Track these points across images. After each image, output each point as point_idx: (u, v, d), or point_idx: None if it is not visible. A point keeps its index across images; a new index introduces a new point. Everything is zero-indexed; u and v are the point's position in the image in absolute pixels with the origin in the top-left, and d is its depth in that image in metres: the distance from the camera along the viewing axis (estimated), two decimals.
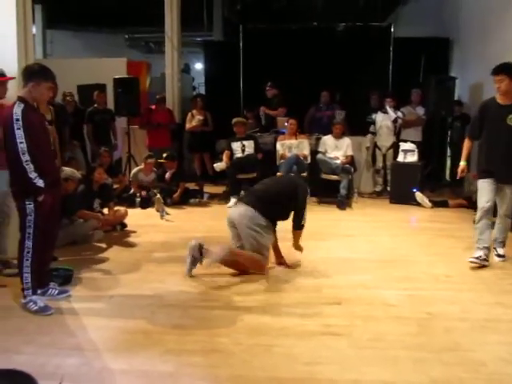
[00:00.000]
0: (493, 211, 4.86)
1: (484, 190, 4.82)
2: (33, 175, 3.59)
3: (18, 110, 3.58)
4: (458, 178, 5.36)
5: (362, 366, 2.96)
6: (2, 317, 3.67)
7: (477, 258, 4.72)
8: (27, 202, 3.65)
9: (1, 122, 3.92)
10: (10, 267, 4.49)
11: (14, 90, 4.78)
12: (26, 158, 3.55)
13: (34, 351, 3.14)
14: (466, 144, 5.10)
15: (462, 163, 5.12)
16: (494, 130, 4.73)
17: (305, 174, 7.87)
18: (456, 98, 9.48)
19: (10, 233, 4.52)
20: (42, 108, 5.17)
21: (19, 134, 3.54)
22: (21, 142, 3.54)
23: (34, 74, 3.74)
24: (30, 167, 3.57)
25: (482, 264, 4.72)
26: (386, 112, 8.52)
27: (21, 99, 3.66)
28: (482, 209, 4.81)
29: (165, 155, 7.85)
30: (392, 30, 10.40)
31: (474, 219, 6.41)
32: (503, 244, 5.01)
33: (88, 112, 8.52)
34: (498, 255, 4.97)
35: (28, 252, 3.70)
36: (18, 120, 3.55)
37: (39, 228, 3.70)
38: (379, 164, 8.74)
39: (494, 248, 5.00)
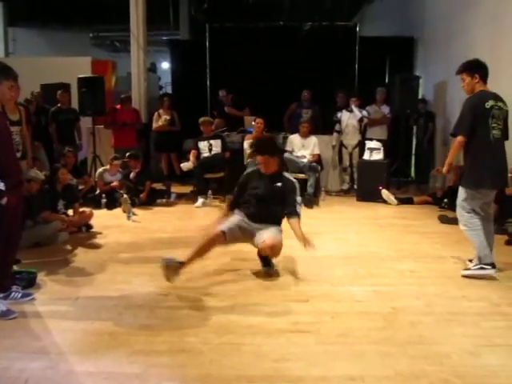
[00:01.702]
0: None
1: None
2: None
3: None
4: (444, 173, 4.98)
5: (330, 362, 2.99)
6: None
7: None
8: None
9: None
10: None
11: None
12: None
13: None
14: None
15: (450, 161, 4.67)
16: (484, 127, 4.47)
17: None
18: (420, 96, 9.66)
19: None
20: (8, 108, 5.07)
21: None
22: None
23: None
24: None
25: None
26: (351, 111, 8.61)
27: None
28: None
29: (128, 154, 7.76)
30: (358, 29, 10.52)
31: (439, 215, 6.59)
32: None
33: (52, 112, 8.37)
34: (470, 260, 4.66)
35: None
36: None
37: (2, 231, 3.61)
38: (346, 162, 8.83)
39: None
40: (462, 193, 4.46)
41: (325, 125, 9.01)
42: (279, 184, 4.52)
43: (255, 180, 4.61)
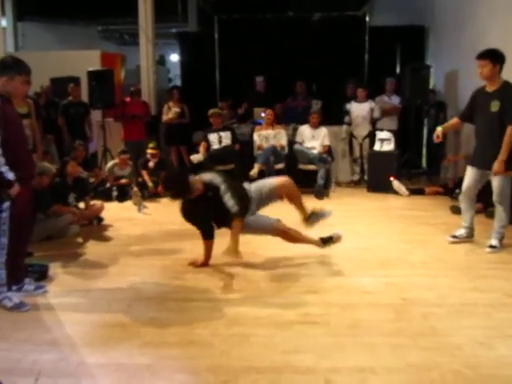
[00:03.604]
0: (474, 195, 5.05)
1: (466, 175, 5.02)
2: (3, 168, 3.52)
3: None
4: (435, 142, 5.37)
5: (340, 354, 2.98)
6: None
7: (454, 235, 5.15)
8: (2, 199, 3.58)
9: None
10: None
11: None
12: None
13: (9, 347, 3.10)
14: (453, 120, 5.30)
15: (439, 128, 5.19)
16: (480, 117, 4.82)
17: (282, 165, 7.88)
18: (431, 86, 9.57)
19: None
20: (16, 101, 5.09)
21: None
22: None
23: (7, 67, 3.67)
24: (1, 160, 3.51)
25: (461, 240, 5.10)
26: (360, 102, 8.57)
27: None
28: (462, 192, 5.10)
29: (152, 144, 7.82)
30: (367, 19, 10.43)
31: (450, 206, 6.54)
32: (499, 235, 4.90)
33: (62, 105, 8.39)
34: (490, 246, 4.88)
35: (2, 249, 3.64)
36: None
37: (14, 224, 3.64)
38: (356, 153, 8.79)
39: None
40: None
41: (334, 116, 8.94)
42: (210, 193, 4.24)
43: (196, 210, 4.35)
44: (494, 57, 4.61)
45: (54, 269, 4.45)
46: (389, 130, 8.35)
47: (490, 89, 4.72)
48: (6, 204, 3.58)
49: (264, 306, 3.64)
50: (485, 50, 4.70)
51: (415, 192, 7.70)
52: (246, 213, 4.25)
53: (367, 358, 2.93)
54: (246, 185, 4.61)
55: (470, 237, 5.14)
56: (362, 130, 8.67)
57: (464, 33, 8.38)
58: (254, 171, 7.45)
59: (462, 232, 5.16)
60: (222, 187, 4.18)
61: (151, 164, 7.81)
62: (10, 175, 3.53)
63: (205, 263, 4.48)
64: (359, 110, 8.59)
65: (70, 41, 14.22)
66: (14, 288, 3.82)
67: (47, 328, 3.38)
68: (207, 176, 4.32)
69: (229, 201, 4.11)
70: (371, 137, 8.54)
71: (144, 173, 7.79)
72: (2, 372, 1.97)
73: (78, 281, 4.27)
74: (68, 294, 4.00)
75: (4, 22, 12.82)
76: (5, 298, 3.69)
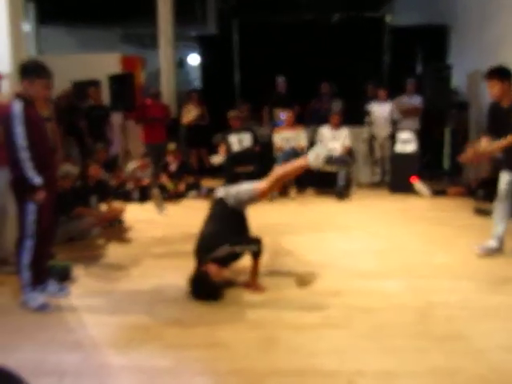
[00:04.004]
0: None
1: (501, 181, 4.74)
2: (31, 173, 3.56)
3: (17, 107, 3.56)
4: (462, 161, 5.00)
5: (364, 357, 2.95)
6: (1, 315, 3.65)
7: (485, 247, 4.75)
8: (28, 202, 3.62)
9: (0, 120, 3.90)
10: (9, 265, 4.47)
11: (7, 87, 4.77)
12: (24, 155, 3.53)
13: (33, 348, 3.13)
14: (484, 139, 4.75)
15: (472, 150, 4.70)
16: (503, 131, 4.57)
17: None
18: (453, 86, 9.45)
19: (7, 230, 4.48)
20: (38, 105, 5.15)
21: (19, 131, 3.52)
22: (21, 139, 3.53)
23: (28, 71, 3.71)
24: (28, 165, 3.55)
25: (487, 253, 4.72)
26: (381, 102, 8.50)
27: (18, 96, 3.64)
28: (497, 199, 4.79)
29: (173, 145, 7.85)
30: (387, 19, 10.34)
31: (474, 207, 6.45)
32: None
33: (83, 108, 8.46)
34: None
35: (27, 251, 3.69)
36: (18, 117, 3.54)
37: (39, 227, 3.68)
38: (377, 154, 8.72)
39: None
40: None
41: (355, 116, 8.88)
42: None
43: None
44: (501, 74, 4.51)
45: (77, 270, 4.49)
46: (410, 131, 8.27)
47: (505, 104, 4.58)
48: (31, 207, 3.62)
49: (286, 309, 3.62)
50: (490, 69, 4.60)
51: (437, 193, 7.61)
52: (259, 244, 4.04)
53: (391, 361, 2.90)
54: (223, 189, 4.36)
55: (500, 249, 4.78)
56: (382, 131, 8.60)
57: (487, 32, 8.25)
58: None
59: (493, 245, 4.76)
60: (237, 248, 3.97)
61: (172, 167, 7.84)
62: (37, 180, 3.57)
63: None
64: (380, 110, 8.52)
65: (90, 44, 14.36)
66: (38, 289, 3.85)
67: (70, 329, 3.41)
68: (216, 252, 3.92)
69: (247, 248, 4.00)
70: (392, 137, 8.46)
71: (164, 176, 7.81)
72: (26, 372, 1.98)
73: (101, 282, 4.29)
74: (90, 295, 4.03)
75: (27, 27, 12.99)
76: (29, 298, 3.74)
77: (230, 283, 4.11)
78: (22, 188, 3.65)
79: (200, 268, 3.90)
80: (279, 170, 4.36)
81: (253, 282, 4.04)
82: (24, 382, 1.24)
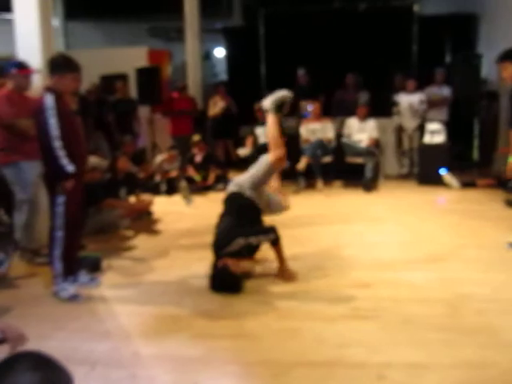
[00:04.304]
0: None
1: None
2: (64, 161, 3.63)
3: (49, 100, 3.63)
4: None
5: (392, 349, 2.94)
6: (33, 304, 3.74)
7: None
8: (58, 195, 3.69)
9: (28, 113, 3.98)
10: (41, 256, 4.57)
11: (38, 81, 4.85)
12: (58, 144, 3.61)
13: (65, 337, 3.20)
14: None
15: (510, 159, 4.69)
16: None
17: (329, 158, 7.81)
18: (483, 75, 9.27)
19: (40, 222, 4.57)
20: (66, 98, 5.23)
21: (52, 122, 3.60)
22: (54, 130, 3.60)
23: (58, 66, 3.78)
24: (61, 153, 3.62)
25: None
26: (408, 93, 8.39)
27: (49, 89, 3.70)
28: None
29: (197, 139, 7.91)
30: (415, 8, 10.18)
31: (505, 199, 6.33)
32: None
33: (111, 102, 8.56)
34: None
35: (58, 242, 3.76)
36: (50, 109, 3.61)
37: (70, 218, 3.75)
38: (405, 146, 8.61)
39: None
40: None
41: (382, 107, 8.79)
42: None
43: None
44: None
45: (107, 261, 4.56)
46: (439, 122, 8.15)
47: None
48: (61, 199, 3.69)
49: (314, 300, 3.62)
50: (502, 52, 4.49)
51: (467, 184, 7.49)
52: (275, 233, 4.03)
53: (420, 353, 2.88)
54: (234, 183, 4.35)
55: None
56: (411, 122, 8.48)
57: None
58: (301, 165, 7.41)
59: None
60: (252, 240, 3.95)
61: (198, 158, 7.89)
62: (70, 168, 3.64)
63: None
64: (408, 101, 8.40)
65: (117, 38, 14.49)
66: (70, 279, 3.93)
67: (101, 318, 3.47)
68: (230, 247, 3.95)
69: (264, 238, 3.99)
70: (421, 129, 8.34)
71: (190, 168, 7.87)
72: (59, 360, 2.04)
73: (130, 273, 4.36)
74: (120, 285, 4.10)
75: (55, 22, 13.18)
76: (61, 289, 3.82)
77: (250, 275, 4.12)
78: (53, 180, 3.73)
79: (217, 263, 3.92)
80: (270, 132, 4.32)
81: (283, 270, 4.05)
82: (63, 367, 1.27)
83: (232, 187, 4.28)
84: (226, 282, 3.85)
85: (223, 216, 4.22)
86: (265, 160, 4.21)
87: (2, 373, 1.19)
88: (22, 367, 1.20)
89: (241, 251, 3.93)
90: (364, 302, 3.57)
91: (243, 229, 3.97)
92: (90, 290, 3.96)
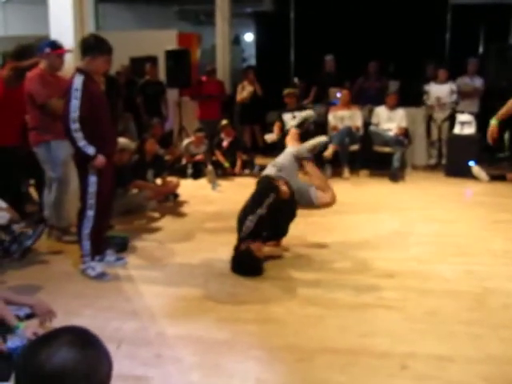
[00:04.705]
0: None
1: None
2: (81, 143, 3.65)
3: (78, 81, 3.65)
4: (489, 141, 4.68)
5: (417, 340, 2.93)
6: (62, 281, 3.81)
7: None
8: (90, 174, 3.74)
9: (60, 93, 4.02)
10: (69, 234, 4.65)
11: (71, 62, 4.89)
12: (75, 126, 3.61)
13: (93, 314, 3.26)
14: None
15: (493, 122, 4.55)
16: None
17: (357, 147, 7.75)
18: None
19: (70, 201, 4.64)
20: (96, 79, 5.26)
21: (74, 103, 3.61)
22: (73, 111, 3.61)
23: (90, 47, 3.79)
24: (78, 135, 3.63)
25: None
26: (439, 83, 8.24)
27: (80, 70, 3.73)
28: None
29: (225, 122, 7.93)
30: None
31: None
32: None
33: (140, 84, 8.61)
34: None
35: (88, 221, 3.82)
36: (76, 90, 3.62)
37: (100, 198, 3.80)
38: (434, 136, 8.48)
39: None
40: None
41: (412, 97, 8.66)
42: None
43: None
44: None
45: (133, 242, 4.62)
46: (470, 113, 8.00)
47: None
48: (93, 178, 3.74)
49: (339, 288, 3.62)
50: None
51: (496, 178, 7.36)
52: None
53: (445, 345, 2.86)
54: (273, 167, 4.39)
55: None
56: (441, 112, 8.34)
57: None
58: (329, 152, 7.37)
59: None
60: (253, 218, 3.93)
61: (225, 143, 7.90)
62: (90, 149, 3.67)
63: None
64: (439, 91, 8.25)
65: (147, 21, 14.52)
66: (97, 258, 4.00)
67: (128, 298, 3.53)
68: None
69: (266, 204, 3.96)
70: (451, 120, 8.20)
71: (218, 153, 7.89)
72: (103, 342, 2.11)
73: (156, 254, 4.41)
74: (147, 266, 4.15)
75: (87, 3, 13.25)
76: (88, 267, 3.89)
77: (274, 258, 4.15)
78: (82, 159, 3.77)
79: (240, 245, 3.95)
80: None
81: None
82: (105, 349, 1.26)
83: (268, 171, 4.34)
84: (245, 264, 3.88)
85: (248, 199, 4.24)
86: (316, 195, 4.29)
87: (39, 346, 1.20)
88: (60, 342, 1.20)
89: (260, 231, 3.94)
90: (389, 292, 3.55)
91: (251, 206, 3.99)
92: (116, 269, 4.02)
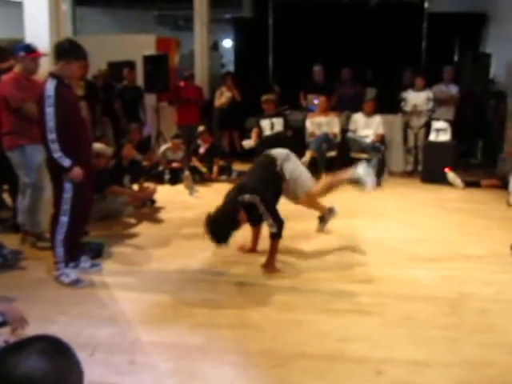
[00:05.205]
0: None
1: None
2: (57, 155, 3.59)
3: (50, 87, 3.58)
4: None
5: (394, 345, 2.94)
6: (36, 288, 3.75)
7: None
8: (65, 181, 3.68)
9: (35, 97, 3.96)
10: (44, 240, 4.57)
11: (46, 65, 4.83)
12: (52, 136, 3.55)
13: (67, 321, 3.21)
14: None
15: None
16: None
17: (334, 153, 7.79)
18: (491, 75, 9.22)
19: (43, 206, 4.57)
20: (74, 83, 5.18)
21: (49, 112, 3.54)
22: (49, 120, 3.54)
23: (64, 52, 3.72)
24: (54, 147, 3.57)
25: None
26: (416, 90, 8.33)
27: (53, 75, 3.67)
28: None
29: (202, 128, 7.89)
30: (425, 5, 10.13)
31: (508, 200, 6.31)
32: None
33: (118, 89, 8.54)
34: None
35: (62, 227, 3.76)
36: (49, 97, 3.55)
37: (77, 205, 3.74)
38: (410, 143, 8.58)
39: None
40: None
41: (389, 104, 8.75)
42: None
43: None
44: None
45: (109, 248, 4.56)
46: (445, 120, 8.11)
47: None
48: (69, 185, 3.68)
49: (316, 294, 3.62)
50: None
51: (471, 184, 7.46)
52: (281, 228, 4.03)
53: (421, 350, 2.88)
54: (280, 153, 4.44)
55: None
56: (417, 120, 8.44)
57: None
58: (306, 158, 7.39)
59: None
60: (261, 208, 3.93)
61: (202, 150, 7.85)
62: (66, 161, 3.60)
63: (252, 249, 4.48)
64: (416, 99, 8.35)
65: (125, 25, 14.46)
66: (72, 265, 3.93)
67: (103, 304, 3.48)
68: (247, 195, 3.97)
69: (268, 220, 3.95)
70: (427, 127, 8.30)
71: (194, 159, 7.84)
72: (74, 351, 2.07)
73: (132, 260, 4.36)
74: (122, 272, 4.10)
75: (64, 7, 13.13)
76: (62, 274, 3.82)
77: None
78: (57, 168, 3.70)
79: (229, 207, 3.95)
80: (329, 179, 4.65)
81: (269, 263, 4.06)
82: (76, 359, 1.24)
83: (275, 153, 4.41)
84: (220, 225, 3.87)
85: (255, 167, 4.37)
86: (310, 184, 4.46)
87: (9, 353, 1.17)
88: (30, 350, 1.17)
89: (252, 209, 3.94)
90: (366, 298, 3.57)
91: (266, 192, 3.99)
92: (92, 275, 3.96)
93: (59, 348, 1.21)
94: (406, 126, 8.56)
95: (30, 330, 2.43)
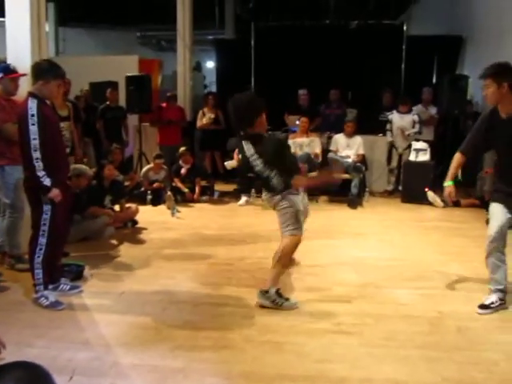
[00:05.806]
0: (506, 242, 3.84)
1: (494, 215, 3.90)
2: (40, 173, 3.57)
3: (32, 105, 3.58)
4: (449, 203, 4.49)
5: (374, 365, 2.94)
6: (14, 311, 3.69)
7: (488, 305, 3.73)
8: (44, 202, 3.65)
9: (15, 118, 3.95)
10: (23, 262, 4.51)
11: (26, 86, 4.82)
12: (36, 155, 3.55)
13: (45, 345, 3.16)
14: (456, 158, 4.19)
15: (449, 183, 4.17)
16: (502, 149, 3.82)
17: (315, 173, 7.84)
18: (469, 96, 9.41)
19: (22, 228, 4.52)
20: (57, 104, 5.18)
21: (33, 130, 3.54)
22: (34, 139, 3.54)
23: (42, 72, 3.73)
24: (39, 165, 3.56)
25: (497, 310, 3.75)
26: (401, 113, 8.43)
27: (32, 95, 3.67)
28: (490, 239, 3.83)
29: (184, 149, 7.90)
30: (405, 28, 10.35)
31: (487, 219, 6.39)
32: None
33: (100, 109, 8.53)
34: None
35: (40, 249, 3.73)
36: (33, 116, 3.55)
37: (55, 226, 3.72)
38: (394, 163, 8.67)
39: None
40: None
41: (369, 125, 8.87)
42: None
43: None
44: (497, 75, 3.58)
45: (90, 269, 4.52)
46: (425, 141, 8.23)
47: (503, 114, 3.66)
48: (47, 206, 3.66)
49: (297, 315, 3.62)
50: (488, 66, 3.72)
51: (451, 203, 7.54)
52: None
53: (402, 370, 2.89)
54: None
55: (504, 302, 3.79)
56: (403, 142, 8.52)
57: (504, 43, 8.22)
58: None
59: (494, 299, 3.77)
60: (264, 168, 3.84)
61: (183, 171, 7.85)
62: (47, 181, 3.59)
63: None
64: (401, 121, 8.44)
65: (108, 46, 14.52)
66: (51, 287, 3.89)
67: (82, 327, 3.44)
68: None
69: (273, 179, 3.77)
70: (411, 148, 8.40)
71: (176, 180, 7.84)
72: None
73: (113, 282, 4.32)
74: (102, 294, 4.06)
75: (46, 27, 13.16)
76: (41, 296, 3.77)
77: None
78: (36, 186, 3.69)
79: None
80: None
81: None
82: (49, 374, 1.23)
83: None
84: None
85: None
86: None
87: None
88: (7, 378, 1.16)
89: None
90: (346, 318, 3.57)
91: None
92: (71, 298, 3.92)
93: (37, 375, 1.21)
94: (391, 147, 8.65)
95: (8, 354, 2.41)
